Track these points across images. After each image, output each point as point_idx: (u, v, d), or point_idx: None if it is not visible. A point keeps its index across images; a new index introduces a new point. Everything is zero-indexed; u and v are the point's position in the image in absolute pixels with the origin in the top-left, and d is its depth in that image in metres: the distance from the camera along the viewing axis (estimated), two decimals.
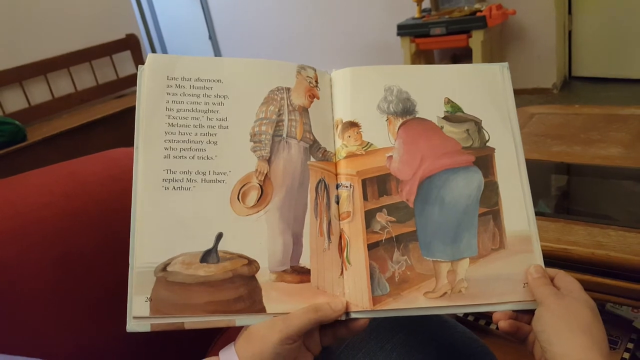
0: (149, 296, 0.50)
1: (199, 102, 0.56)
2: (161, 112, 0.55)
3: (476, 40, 3.26)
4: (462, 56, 3.71)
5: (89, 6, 3.42)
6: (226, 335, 0.82)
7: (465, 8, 3.42)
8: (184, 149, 0.54)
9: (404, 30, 3.51)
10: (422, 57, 3.65)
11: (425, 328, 0.68)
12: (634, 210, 1.15)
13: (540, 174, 1.31)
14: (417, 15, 3.60)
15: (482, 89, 0.62)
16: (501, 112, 0.62)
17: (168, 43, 5.65)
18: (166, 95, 0.55)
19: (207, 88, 0.57)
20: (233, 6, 4.92)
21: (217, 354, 0.51)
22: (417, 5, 3.58)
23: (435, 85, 0.62)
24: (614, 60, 3.58)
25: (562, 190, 1.33)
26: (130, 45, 3.60)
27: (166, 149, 0.54)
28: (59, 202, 0.74)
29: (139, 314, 0.49)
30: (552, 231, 0.99)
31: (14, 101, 3.07)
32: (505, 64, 0.63)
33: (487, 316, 1.29)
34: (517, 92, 0.62)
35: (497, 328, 0.56)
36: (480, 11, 3.27)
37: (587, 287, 0.52)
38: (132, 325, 0.49)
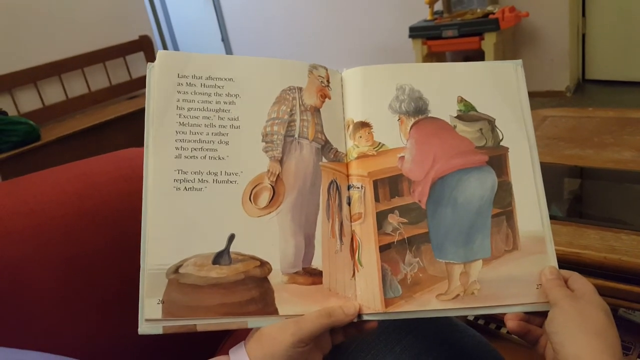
0: (161, 298, 0.49)
1: (210, 101, 0.55)
2: (172, 110, 0.54)
3: (488, 42, 3.25)
4: (474, 59, 3.68)
5: (103, 8, 3.45)
6: (236, 334, 0.82)
7: (478, 10, 3.41)
8: (195, 149, 0.53)
9: (415, 32, 3.50)
10: (434, 59, 3.64)
11: (435, 331, 0.67)
12: None
13: (552, 178, 1.30)
14: (429, 17, 3.59)
15: (495, 87, 0.61)
16: (515, 110, 0.61)
17: (181, 44, 5.68)
18: (177, 94, 0.55)
19: (219, 87, 0.56)
20: (245, 8, 4.94)
21: (227, 353, 0.51)
22: (429, 7, 3.57)
23: (448, 84, 0.61)
24: (628, 63, 3.55)
25: (575, 194, 1.32)
26: (144, 46, 3.63)
27: (177, 148, 0.53)
28: (71, 202, 0.75)
29: (151, 317, 0.49)
30: (564, 235, 0.99)
31: (28, 101, 3.11)
32: (519, 61, 0.62)
33: (498, 320, 1.28)
34: (530, 95, 0.61)
35: (509, 332, 0.56)
36: (493, 13, 3.25)
37: (600, 292, 0.52)
38: (144, 328, 0.49)
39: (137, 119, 3.11)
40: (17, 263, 0.68)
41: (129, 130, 3.09)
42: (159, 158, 0.53)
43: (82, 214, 0.75)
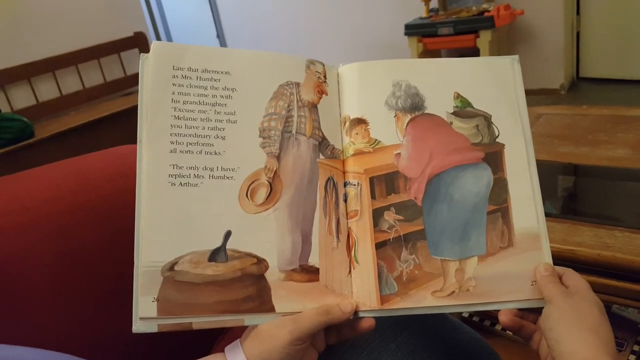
0: (156, 296, 0.49)
1: (206, 94, 0.54)
2: (166, 104, 0.53)
3: (484, 40, 3.25)
4: (469, 56, 3.69)
5: (98, 4, 3.43)
6: (232, 332, 0.82)
7: (473, 8, 3.41)
8: (190, 144, 0.52)
9: (411, 30, 3.50)
10: (429, 57, 3.59)
11: (430, 328, 0.67)
12: None
13: (547, 175, 1.30)
14: (424, 15, 3.60)
15: (492, 83, 0.61)
16: (511, 106, 0.60)
17: (176, 41, 5.66)
18: (172, 87, 0.53)
19: (215, 80, 0.55)
20: (241, 5, 4.93)
21: (223, 351, 0.51)
22: (425, 4, 3.57)
23: (445, 80, 0.61)
24: (622, 61, 3.56)
25: (569, 191, 1.33)
26: (139, 43, 3.62)
27: (172, 143, 0.52)
28: (65, 198, 0.75)
29: (146, 315, 0.48)
30: (558, 232, 0.99)
31: (22, 98, 3.09)
32: (516, 56, 0.62)
33: (493, 317, 1.29)
34: (525, 92, 0.61)
35: (503, 329, 0.56)
36: (488, 11, 3.26)
37: (593, 289, 0.52)
38: (138, 326, 0.48)
39: (131, 115, 3.05)
40: (10, 260, 0.67)
41: (124, 127, 3.07)
42: (153, 152, 0.52)
43: (76, 210, 0.74)
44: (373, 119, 0.58)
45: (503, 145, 0.59)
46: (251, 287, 0.51)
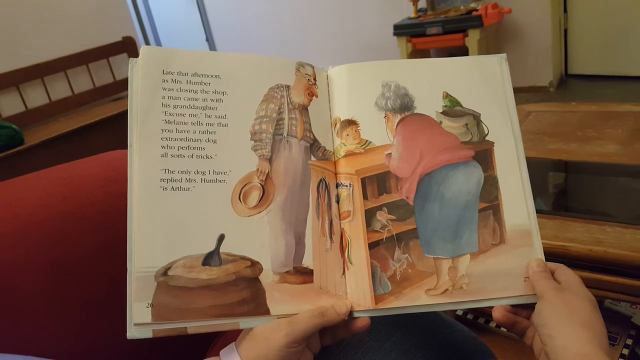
0: (150, 302, 0.48)
1: (196, 98, 0.54)
2: (157, 108, 0.52)
3: (472, 39, 3.27)
4: (458, 55, 3.70)
5: (86, 9, 3.41)
6: (227, 335, 0.82)
7: (461, 7, 3.43)
8: (182, 148, 0.52)
9: (400, 30, 3.51)
10: (418, 57, 3.64)
11: (424, 327, 0.68)
12: (632, 207, 1.15)
13: (537, 172, 1.31)
14: (413, 15, 3.61)
15: (480, 82, 0.61)
16: (500, 104, 0.61)
17: (165, 45, 5.65)
18: (162, 91, 0.53)
19: (205, 84, 0.55)
20: (229, 8, 4.92)
21: (218, 354, 0.51)
22: (413, 5, 3.59)
23: (434, 80, 0.61)
24: (610, 57, 3.59)
25: (560, 188, 1.34)
26: (127, 47, 3.60)
27: (163, 147, 0.52)
28: (56, 205, 0.74)
29: (140, 321, 0.48)
30: (549, 228, 1.00)
31: (11, 105, 3.06)
32: (504, 55, 0.62)
33: (486, 314, 1.29)
34: (514, 90, 0.62)
35: (497, 326, 0.57)
36: (476, 10, 3.28)
37: (586, 284, 0.53)
38: (133, 332, 0.48)
39: (121, 120, 3.06)
40: (2, 267, 0.67)
41: (114, 132, 3.06)
42: (144, 157, 0.51)
43: (67, 216, 0.74)
44: (363, 120, 0.58)
45: (493, 143, 0.60)
46: (246, 290, 0.51)
